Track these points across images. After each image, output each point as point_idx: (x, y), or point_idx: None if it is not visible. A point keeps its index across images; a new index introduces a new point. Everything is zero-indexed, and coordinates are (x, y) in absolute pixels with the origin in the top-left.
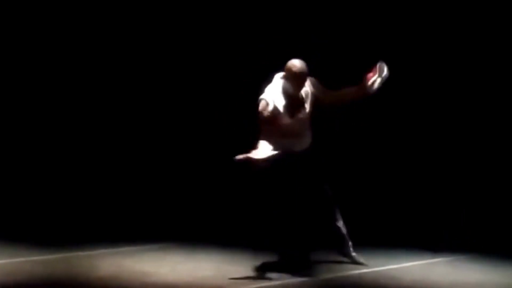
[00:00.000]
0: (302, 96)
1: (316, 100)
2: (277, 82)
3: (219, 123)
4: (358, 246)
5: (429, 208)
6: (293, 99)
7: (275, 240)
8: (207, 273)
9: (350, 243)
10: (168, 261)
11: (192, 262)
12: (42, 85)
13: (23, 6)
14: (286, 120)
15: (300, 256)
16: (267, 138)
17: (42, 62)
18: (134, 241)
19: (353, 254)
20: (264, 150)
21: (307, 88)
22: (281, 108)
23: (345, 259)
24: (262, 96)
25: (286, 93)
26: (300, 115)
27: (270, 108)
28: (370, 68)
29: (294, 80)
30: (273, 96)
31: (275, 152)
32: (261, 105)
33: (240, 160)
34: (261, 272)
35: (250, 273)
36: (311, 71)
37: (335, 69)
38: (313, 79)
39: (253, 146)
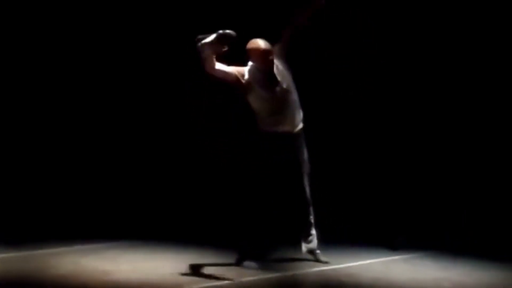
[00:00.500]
0: (276, 73)
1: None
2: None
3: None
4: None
5: (388, 206)
6: (265, 75)
7: (240, 234)
8: (167, 271)
9: (314, 240)
10: (128, 259)
11: (152, 260)
12: (29, 82)
13: (15, 6)
14: (264, 95)
15: (260, 252)
16: (257, 116)
17: (34, 60)
18: (93, 239)
19: (317, 251)
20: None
21: (278, 66)
22: (255, 82)
23: (308, 256)
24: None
25: (256, 70)
26: (278, 91)
27: (243, 74)
28: None
29: (257, 57)
30: (249, 68)
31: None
32: (240, 67)
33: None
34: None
35: (210, 271)
36: None
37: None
38: (275, 48)
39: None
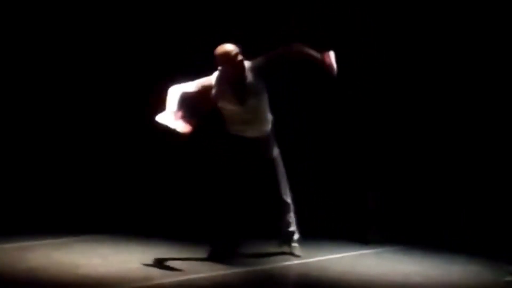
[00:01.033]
0: (248, 83)
1: (267, 76)
2: (215, 74)
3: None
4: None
5: (359, 200)
6: (235, 86)
7: (209, 229)
8: (137, 265)
9: (291, 233)
10: (98, 253)
11: (123, 253)
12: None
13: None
14: (234, 108)
15: (230, 246)
16: (225, 120)
17: (26, 56)
18: (64, 233)
19: (293, 244)
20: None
21: (251, 74)
22: (224, 95)
23: (283, 249)
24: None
25: (225, 80)
26: (250, 103)
27: (210, 86)
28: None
29: (225, 63)
30: (216, 78)
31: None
32: (204, 79)
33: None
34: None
35: (181, 264)
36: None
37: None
38: (255, 61)
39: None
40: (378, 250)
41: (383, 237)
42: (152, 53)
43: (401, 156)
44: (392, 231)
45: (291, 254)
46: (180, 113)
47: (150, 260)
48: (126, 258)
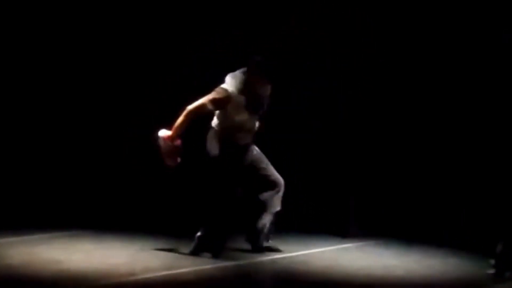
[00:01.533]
0: (266, 96)
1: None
2: (241, 77)
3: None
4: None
5: (340, 194)
6: (253, 96)
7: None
8: (119, 260)
9: (263, 236)
10: (80, 249)
11: (105, 249)
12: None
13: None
14: (243, 116)
15: (217, 241)
16: (220, 128)
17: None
18: (45, 228)
19: (266, 245)
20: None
21: (267, 87)
22: (241, 103)
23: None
24: (224, 86)
25: (248, 89)
26: (256, 113)
27: (229, 100)
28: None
29: (259, 78)
30: (235, 89)
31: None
32: (221, 94)
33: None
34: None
35: (164, 259)
36: None
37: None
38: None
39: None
40: (359, 244)
41: (363, 231)
42: (152, 53)
43: (383, 153)
44: (372, 225)
45: (274, 249)
46: (179, 142)
47: (133, 255)
48: (109, 253)
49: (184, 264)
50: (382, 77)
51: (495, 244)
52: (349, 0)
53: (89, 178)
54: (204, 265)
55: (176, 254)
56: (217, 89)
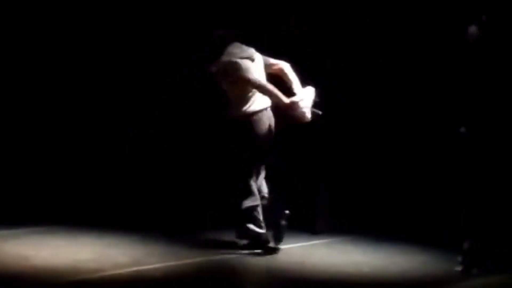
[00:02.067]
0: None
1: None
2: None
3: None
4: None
5: (309, 191)
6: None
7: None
8: (89, 256)
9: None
10: (48, 244)
11: (73, 245)
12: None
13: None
14: (256, 75)
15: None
16: (242, 98)
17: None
18: (13, 224)
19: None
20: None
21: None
22: (251, 66)
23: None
24: (232, 59)
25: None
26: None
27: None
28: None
29: None
30: (238, 57)
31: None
32: (239, 65)
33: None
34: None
35: (134, 255)
36: None
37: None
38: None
39: None
40: (327, 240)
41: (331, 228)
42: (152, 53)
43: (353, 150)
44: (340, 222)
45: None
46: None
47: (102, 252)
48: (78, 249)
49: (151, 261)
50: (382, 77)
51: (462, 241)
52: (349, 0)
53: (60, 173)
54: (171, 261)
55: (144, 250)
56: (232, 67)
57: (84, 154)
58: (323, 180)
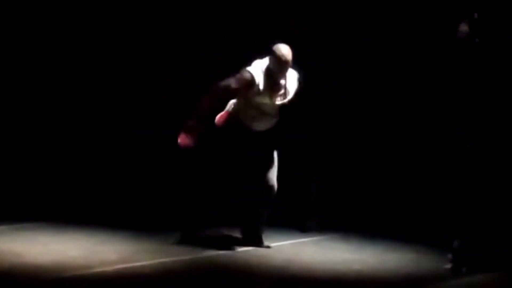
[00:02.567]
0: (284, 83)
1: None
2: (265, 61)
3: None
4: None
5: (299, 189)
6: (274, 83)
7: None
8: (78, 253)
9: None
10: (39, 241)
11: (63, 242)
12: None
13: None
14: (262, 100)
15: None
16: (236, 112)
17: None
18: (3, 221)
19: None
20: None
21: (293, 78)
22: (261, 87)
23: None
24: (249, 69)
25: (269, 74)
26: (276, 101)
27: (253, 83)
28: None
29: (279, 62)
30: (259, 72)
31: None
32: (246, 76)
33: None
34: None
35: (123, 252)
36: None
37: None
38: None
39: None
40: (317, 238)
41: (320, 225)
42: (152, 53)
43: (352, 150)
44: (330, 219)
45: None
46: (201, 127)
47: (91, 248)
48: (67, 246)
49: (141, 258)
50: (382, 77)
51: (452, 239)
52: (349, 0)
53: (49, 170)
54: (160, 258)
55: (134, 247)
56: (243, 71)
57: (83, 154)
58: (318, 176)
